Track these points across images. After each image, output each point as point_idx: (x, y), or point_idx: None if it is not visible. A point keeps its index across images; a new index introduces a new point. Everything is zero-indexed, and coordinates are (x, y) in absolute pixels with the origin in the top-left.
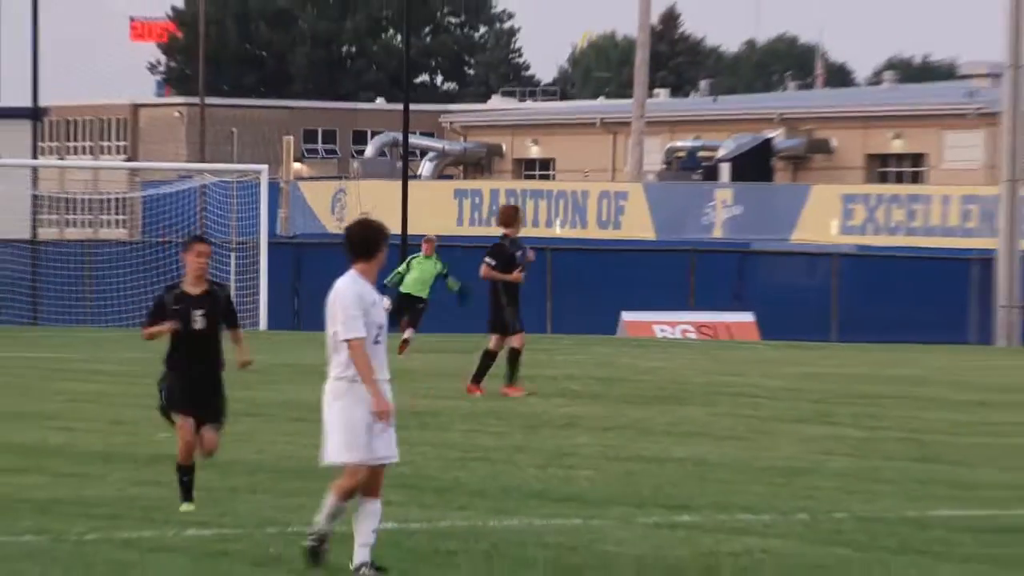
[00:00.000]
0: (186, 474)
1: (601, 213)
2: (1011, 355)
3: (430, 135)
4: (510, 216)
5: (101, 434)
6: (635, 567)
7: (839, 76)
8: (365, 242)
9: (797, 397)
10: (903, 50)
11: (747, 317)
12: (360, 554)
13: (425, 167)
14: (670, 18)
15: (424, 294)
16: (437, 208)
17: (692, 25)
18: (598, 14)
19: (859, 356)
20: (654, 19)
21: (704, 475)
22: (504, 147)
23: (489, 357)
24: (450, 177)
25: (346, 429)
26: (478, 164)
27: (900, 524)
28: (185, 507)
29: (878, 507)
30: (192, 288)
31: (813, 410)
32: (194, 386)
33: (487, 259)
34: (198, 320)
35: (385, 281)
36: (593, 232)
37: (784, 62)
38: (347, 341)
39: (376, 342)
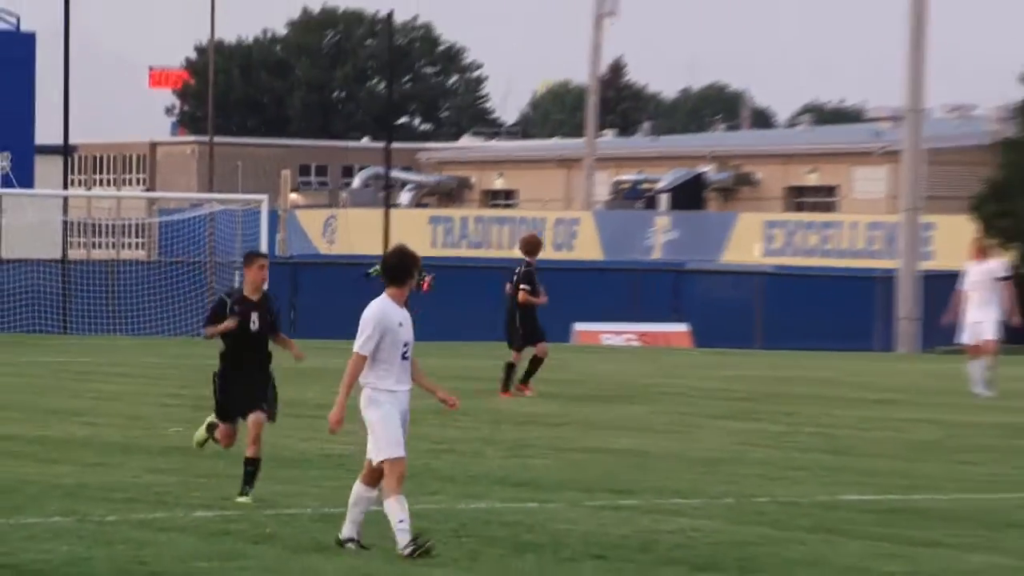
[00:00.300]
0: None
1: (557, 236)
2: (910, 360)
3: (409, 169)
4: (536, 246)
5: (121, 428)
6: (583, 543)
7: (762, 119)
8: (398, 269)
9: (724, 397)
10: (818, 96)
11: (682, 327)
12: (348, 529)
13: (404, 197)
14: (617, 69)
15: None
16: (415, 232)
17: (636, 75)
18: (555, 65)
19: (779, 361)
20: (603, 69)
21: (644, 464)
22: (473, 180)
23: (536, 363)
24: (426, 206)
25: (387, 428)
26: (450, 194)
27: (813, 507)
28: (203, 431)
29: (794, 492)
30: (251, 295)
31: (738, 408)
32: (246, 385)
33: (524, 286)
34: (255, 322)
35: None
36: (549, 253)
37: (715, 107)
38: (354, 352)
39: (404, 358)
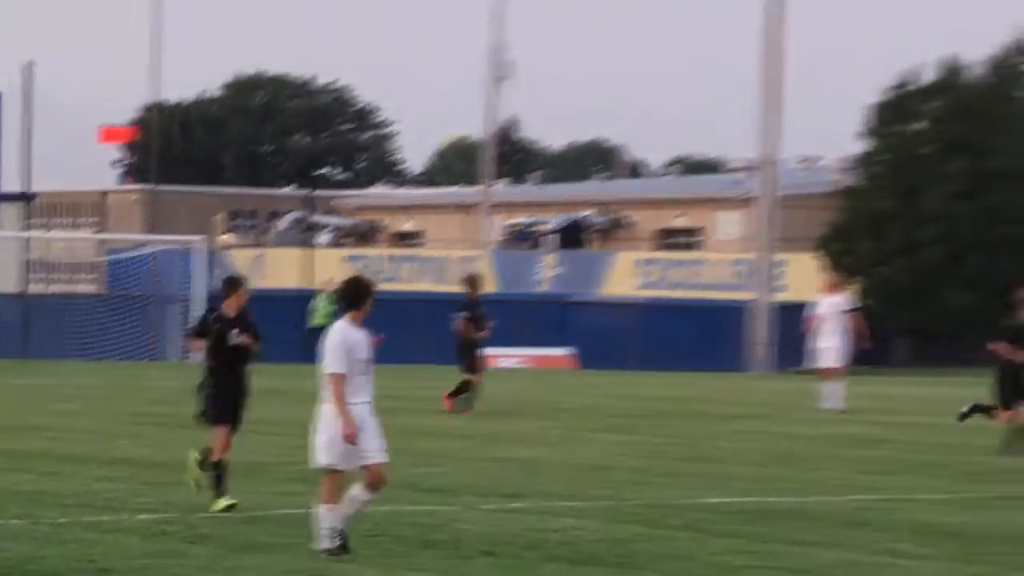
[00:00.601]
0: (220, 469)
1: (458, 273)
2: (766, 380)
3: (328, 214)
4: (469, 281)
5: (75, 442)
6: (479, 542)
7: (636, 169)
8: (354, 295)
9: (604, 412)
10: (684, 149)
11: (568, 352)
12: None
13: (324, 238)
14: (510, 125)
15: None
16: (333, 269)
17: (527, 130)
18: (458, 121)
19: (651, 381)
20: (498, 126)
21: (534, 471)
22: (384, 223)
23: (465, 386)
24: (343, 246)
25: (328, 439)
26: (365, 236)
27: (682, 509)
28: (224, 502)
29: (665, 495)
30: (229, 312)
31: (616, 422)
32: (230, 393)
33: (456, 315)
34: (234, 337)
35: (312, 325)
36: (452, 287)
37: (595, 158)
38: (329, 374)
39: (362, 373)
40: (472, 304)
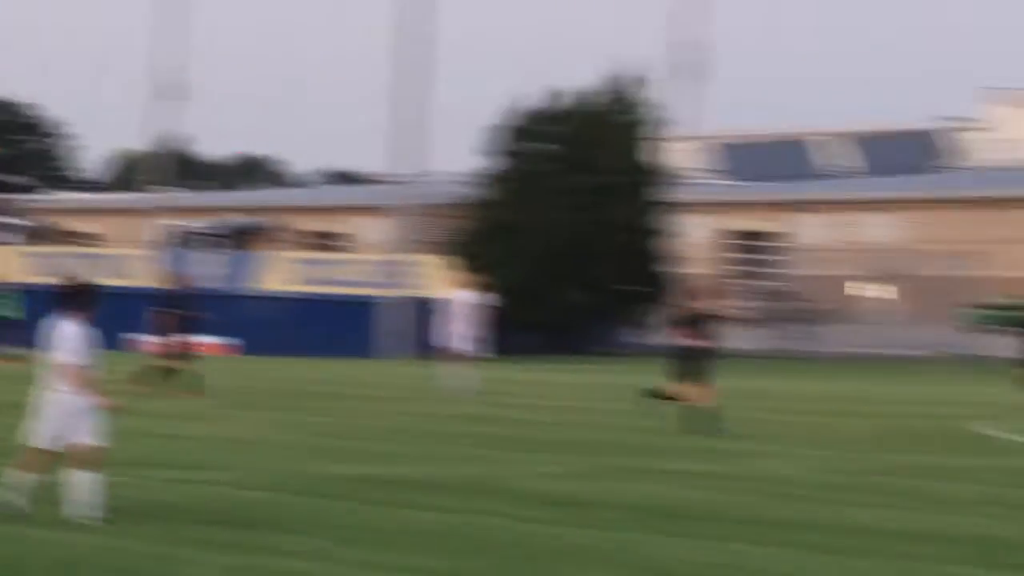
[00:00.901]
0: None
1: (136, 271)
2: (401, 365)
3: (12, 215)
4: (177, 278)
5: None
6: (133, 508)
7: (297, 180)
8: (77, 296)
9: (271, 394)
10: (334, 162)
11: (232, 340)
12: (73, 508)
13: (8, 237)
14: (184, 138)
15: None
16: (16, 266)
17: (198, 142)
18: (137, 132)
19: (302, 366)
20: (173, 138)
21: (192, 445)
22: (66, 224)
23: (168, 372)
24: (26, 244)
25: (46, 421)
26: (47, 236)
27: (317, 479)
28: None
29: (306, 466)
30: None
31: (286, 403)
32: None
33: (164, 310)
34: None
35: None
36: (132, 282)
37: (261, 170)
38: (66, 364)
39: (85, 367)
40: (170, 299)
